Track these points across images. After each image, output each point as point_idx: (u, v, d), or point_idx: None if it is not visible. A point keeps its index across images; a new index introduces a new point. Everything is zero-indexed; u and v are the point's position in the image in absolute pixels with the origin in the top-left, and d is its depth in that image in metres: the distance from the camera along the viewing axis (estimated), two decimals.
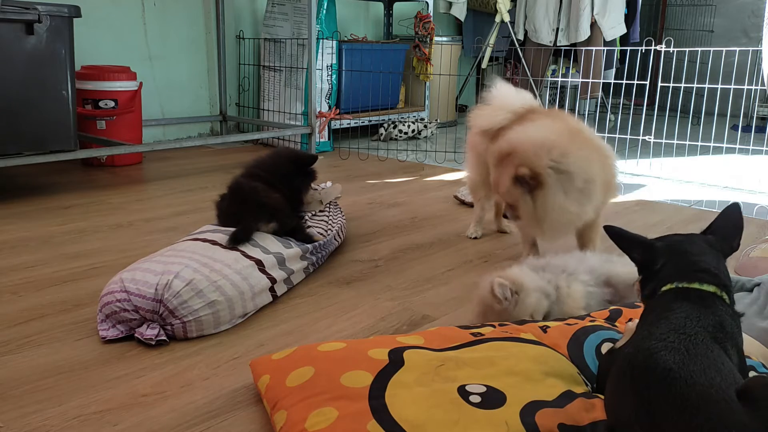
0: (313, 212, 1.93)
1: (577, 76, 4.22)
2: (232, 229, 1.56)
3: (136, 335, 1.26)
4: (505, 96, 1.83)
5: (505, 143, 1.57)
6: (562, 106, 4.78)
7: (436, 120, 4.12)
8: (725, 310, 0.86)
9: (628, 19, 4.26)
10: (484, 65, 4.51)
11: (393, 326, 1.37)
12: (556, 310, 1.31)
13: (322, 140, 3.41)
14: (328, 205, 1.98)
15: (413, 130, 3.88)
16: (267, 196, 1.63)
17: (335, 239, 1.78)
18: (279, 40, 3.43)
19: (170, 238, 1.87)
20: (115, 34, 3.18)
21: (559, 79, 4.50)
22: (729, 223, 0.95)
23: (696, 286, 0.88)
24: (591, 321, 1.21)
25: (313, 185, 1.93)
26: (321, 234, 1.74)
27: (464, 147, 2.09)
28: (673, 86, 2.99)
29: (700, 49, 3.05)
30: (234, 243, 1.46)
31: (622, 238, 0.98)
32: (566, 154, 1.48)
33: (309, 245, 1.62)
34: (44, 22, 2.18)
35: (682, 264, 0.91)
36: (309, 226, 1.76)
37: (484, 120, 1.80)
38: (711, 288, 0.87)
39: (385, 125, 3.84)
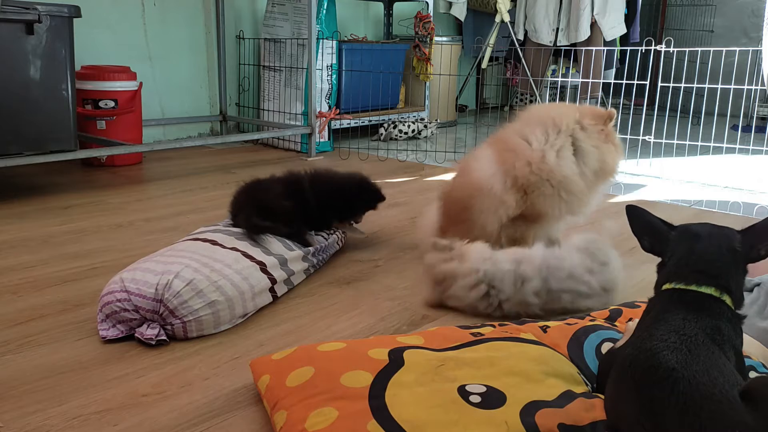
0: None
1: (577, 76, 4.22)
2: (233, 229, 1.56)
3: (136, 335, 1.26)
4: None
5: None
6: None
7: (436, 120, 4.12)
8: (723, 313, 0.85)
9: (628, 19, 4.26)
10: (484, 65, 4.51)
11: (393, 326, 1.37)
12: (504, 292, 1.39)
13: (322, 140, 3.41)
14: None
15: (413, 130, 3.87)
16: (274, 200, 1.64)
17: (336, 244, 1.78)
18: (279, 40, 3.43)
19: (170, 238, 1.87)
20: (115, 34, 3.18)
21: (559, 79, 4.50)
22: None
23: (693, 288, 0.87)
24: (591, 321, 1.21)
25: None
26: (321, 241, 1.74)
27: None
28: (673, 86, 2.99)
29: (700, 49, 3.05)
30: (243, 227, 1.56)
31: (637, 222, 0.95)
32: None
33: (310, 248, 1.62)
34: (44, 22, 2.18)
35: (682, 262, 0.90)
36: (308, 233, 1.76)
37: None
38: (709, 290, 0.87)
39: (385, 125, 3.84)
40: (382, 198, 1.85)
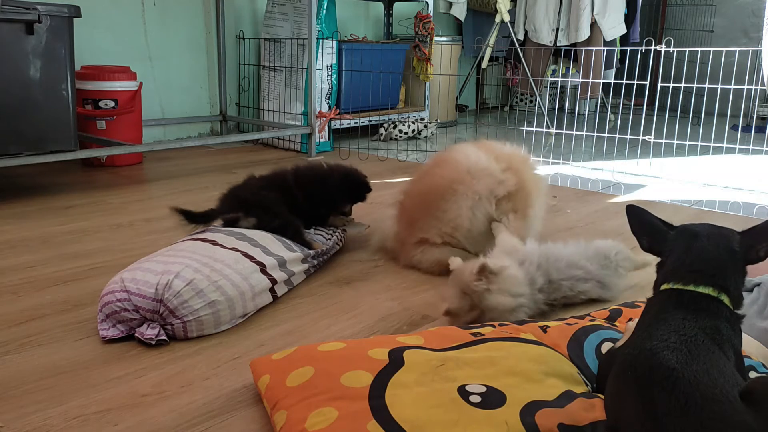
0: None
1: (577, 76, 4.22)
2: (233, 229, 1.56)
3: (136, 335, 1.26)
4: None
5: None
6: (562, 106, 4.78)
7: (436, 120, 4.12)
8: (722, 313, 0.85)
9: (628, 19, 4.26)
10: (484, 65, 4.51)
11: (393, 326, 1.37)
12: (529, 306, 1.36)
13: (322, 140, 3.41)
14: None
15: (413, 130, 3.87)
16: (255, 194, 1.66)
17: (336, 245, 1.78)
18: (279, 40, 3.43)
19: (170, 238, 1.87)
20: (115, 34, 3.18)
21: (559, 79, 4.50)
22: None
23: (691, 288, 0.87)
24: (591, 321, 1.21)
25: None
26: (322, 241, 1.73)
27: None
28: (673, 86, 2.98)
29: (700, 49, 3.05)
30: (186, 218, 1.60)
31: (636, 221, 0.96)
32: None
33: (311, 251, 1.62)
34: (44, 22, 2.18)
35: (680, 262, 0.90)
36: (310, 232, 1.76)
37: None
38: (707, 290, 0.86)
39: (385, 125, 3.84)
40: (367, 188, 1.84)
